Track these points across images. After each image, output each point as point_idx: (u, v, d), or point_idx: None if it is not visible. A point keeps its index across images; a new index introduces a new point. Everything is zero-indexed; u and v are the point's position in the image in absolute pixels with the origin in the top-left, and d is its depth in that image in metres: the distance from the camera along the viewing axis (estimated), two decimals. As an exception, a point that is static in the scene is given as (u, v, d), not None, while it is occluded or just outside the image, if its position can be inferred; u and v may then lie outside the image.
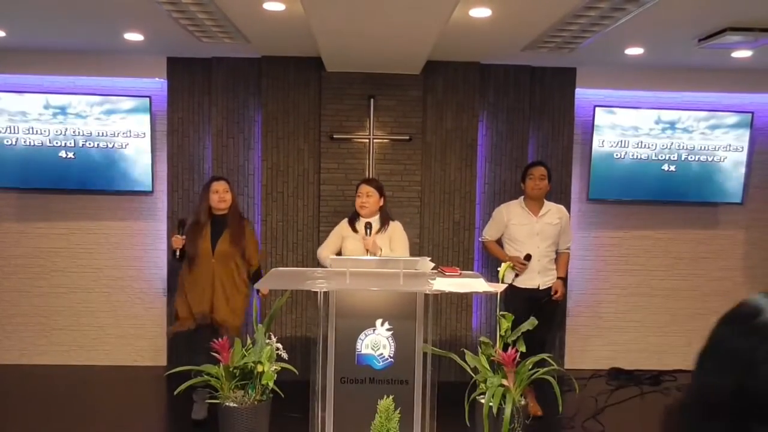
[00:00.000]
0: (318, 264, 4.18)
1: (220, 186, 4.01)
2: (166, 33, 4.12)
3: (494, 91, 4.96)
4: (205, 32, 4.02)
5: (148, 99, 4.87)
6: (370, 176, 4.66)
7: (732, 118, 5.12)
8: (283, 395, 3.19)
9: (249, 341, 3.26)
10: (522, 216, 4.30)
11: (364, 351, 3.26)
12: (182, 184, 4.97)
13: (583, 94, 5.12)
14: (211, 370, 3.18)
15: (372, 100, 4.74)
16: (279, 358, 3.22)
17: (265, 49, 4.61)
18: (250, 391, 3.13)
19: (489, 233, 4.43)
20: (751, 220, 5.41)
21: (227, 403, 3.11)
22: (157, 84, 4.98)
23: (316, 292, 3.25)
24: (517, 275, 4.19)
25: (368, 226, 3.93)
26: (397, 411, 3.13)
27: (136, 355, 5.08)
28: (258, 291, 3.96)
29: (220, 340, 3.21)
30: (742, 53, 4.32)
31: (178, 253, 3.92)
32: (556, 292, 4.29)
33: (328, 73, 4.72)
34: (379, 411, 3.11)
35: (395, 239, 4.02)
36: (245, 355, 3.16)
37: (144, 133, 4.89)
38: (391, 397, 3.14)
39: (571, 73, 5.04)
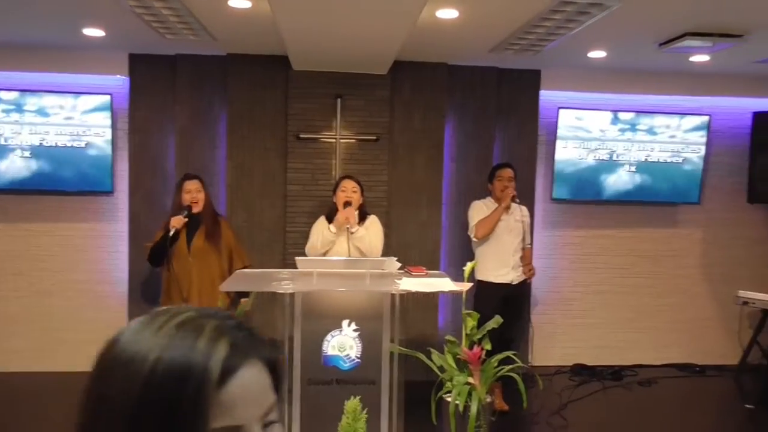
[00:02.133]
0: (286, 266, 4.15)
1: (192, 185, 3.94)
2: (127, 29, 4.04)
3: (461, 92, 4.99)
4: (169, 29, 3.95)
5: (109, 96, 4.76)
6: (337, 176, 4.65)
7: (690, 121, 5.27)
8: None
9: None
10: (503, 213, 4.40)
11: (330, 352, 3.25)
12: (144, 184, 4.87)
13: (547, 95, 5.19)
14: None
15: (339, 99, 4.72)
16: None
17: (231, 46, 4.55)
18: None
19: (477, 222, 4.50)
20: (708, 220, 5.57)
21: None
22: (119, 81, 4.87)
23: (282, 293, 3.22)
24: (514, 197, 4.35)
25: (347, 204, 3.95)
26: (365, 411, 3.13)
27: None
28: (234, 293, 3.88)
29: None
30: (700, 58, 4.44)
31: (172, 233, 3.77)
32: (530, 270, 4.49)
33: (295, 72, 4.69)
34: (346, 412, 3.11)
35: (371, 228, 4.06)
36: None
37: (104, 132, 4.77)
38: (358, 397, 3.13)
39: (536, 75, 5.11)
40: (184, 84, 4.79)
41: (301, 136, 4.71)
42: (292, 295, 3.23)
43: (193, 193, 3.92)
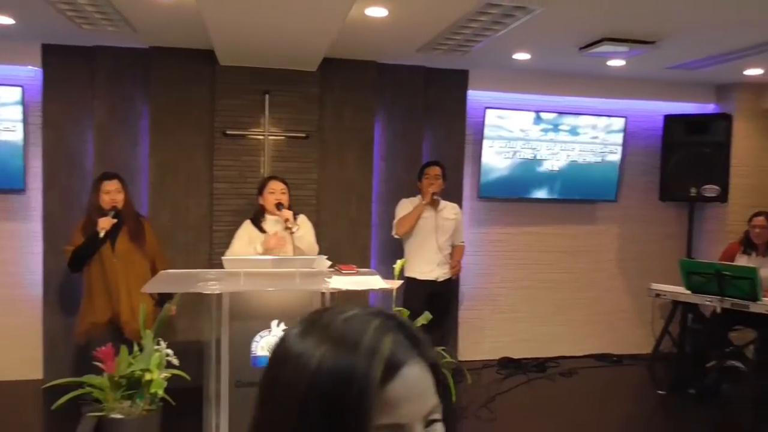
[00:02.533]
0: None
1: (111, 186, 3.77)
2: (40, 17, 3.81)
3: (390, 90, 5.02)
4: (86, 18, 3.76)
5: (20, 89, 4.48)
6: (266, 174, 4.58)
7: (608, 122, 5.52)
8: (174, 403, 3.05)
9: (136, 348, 3.09)
10: (425, 210, 4.44)
11: (259, 353, 3.20)
12: (59, 181, 4.61)
13: (474, 95, 5.30)
14: (94, 381, 2.98)
15: (267, 96, 4.64)
16: (169, 365, 3.08)
17: (154, 39, 4.39)
18: (137, 401, 2.97)
19: (397, 219, 4.54)
20: (624, 216, 5.87)
21: (112, 415, 2.93)
22: (31, 73, 4.59)
23: (209, 294, 3.14)
24: (434, 194, 4.39)
25: (280, 205, 3.88)
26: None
27: (9, 368, 4.64)
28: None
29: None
30: (617, 62, 4.65)
31: (102, 234, 3.60)
32: (453, 268, 4.56)
33: (221, 67, 4.57)
34: (277, 413, 3.06)
35: (304, 227, 4.01)
36: (132, 363, 2.99)
37: (15, 126, 4.49)
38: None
39: (463, 75, 5.20)
40: (103, 77, 4.57)
41: (228, 132, 4.60)
42: (219, 296, 3.15)
43: (113, 194, 3.76)
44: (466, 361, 5.36)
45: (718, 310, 4.76)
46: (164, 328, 3.24)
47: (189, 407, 3.34)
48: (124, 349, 3.05)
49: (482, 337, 5.59)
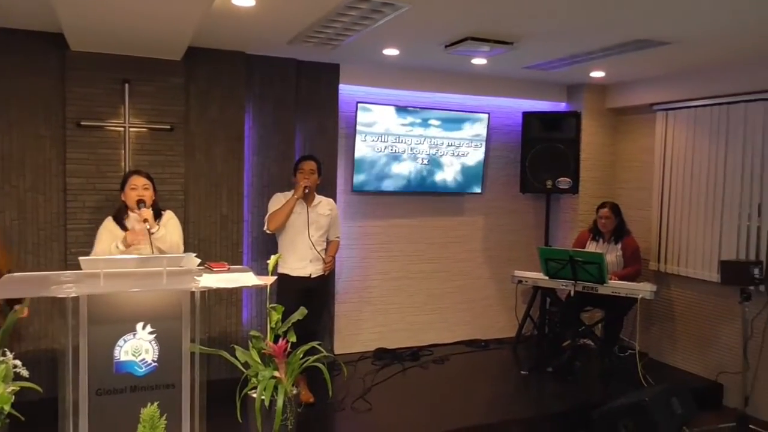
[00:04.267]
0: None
1: None
2: None
3: (260, 82, 4.91)
4: None
5: None
6: (128, 168, 4.30)
7: (473, 118, 5.79)
8: (23, 418, 2.78)
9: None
10: (297, 205, 4.38)
11: (123, 358, 3.00)
12: None
13: (346, 89, 5.33)
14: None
15: (127, 85, 4.35)
16: (18, 377, 2.80)
17: (-9, 18, 3.95)
18: (-21, 419, 2.66)
19: (268, 214, 4.46)
20: (489, 208, 6.20)
21: (-52, 437, 2.61)
22: None
23: (64, 298, 2.89)
24: (305, 188, 4.33)
25: (141, 203, 3.67)
26: (164, 417, 2.95)
27: None
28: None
29: None
30: (480, 61, 4.89)
31: None
32: (326, 264, 4.51)
33: (73, 53, 4.21)
34: (143, 420, 2.90)
35: (169, 225, 3.83)
36: (-28, 378, 2.68)
37: None
38: (156, 403, 2.94)
39: (334, 69, 5.21)
40: (-70, 59, 4.05)
41: (83, 123, 4.26)
42: (76, 299, 2.91)
43: None
44: (342, 354, 5.40)
45: (572, 293, 5.18)
46: (9, 337, 2.94)
47: (42, 421, 3.07)
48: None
49: (358, 329, 5.66)
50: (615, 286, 4.97)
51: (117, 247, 3.60)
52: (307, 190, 4.36)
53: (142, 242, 3.62)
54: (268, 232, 4.45)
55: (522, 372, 5.25)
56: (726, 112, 5.02)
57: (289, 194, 4.43)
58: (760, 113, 4.74)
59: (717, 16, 3.50)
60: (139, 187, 3.76)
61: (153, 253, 3.60)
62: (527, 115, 5.95)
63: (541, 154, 5.86)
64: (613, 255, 5.28)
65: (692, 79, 5.19)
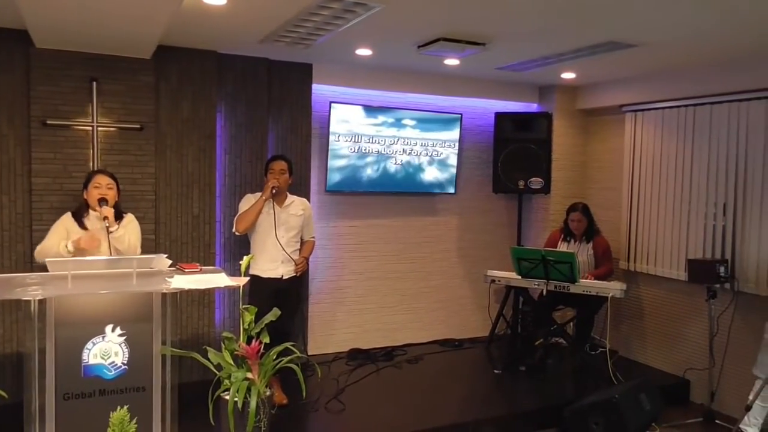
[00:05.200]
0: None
1: None
2: None
3: (233, 82, 4.86)
4: None
5: None
6: (96, 167, 4.22)
7: (446, 119, 5.82)
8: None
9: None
10: (266, 205, 4.34)
11: (92, 361, 2.94)
12: None
13: (319, 89, 5.31)
14: None
15: (95, 83, 4.27)
16: (-19, 382, 2.73)
17: (-48, 14, 3.84)
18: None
19: (237, 215, 4.41)
20: (462, 208, 6.23)
21: None
22: None
23: (29, 300, 2.82)
24: (273, 189, 4.24)
25: (103, 201, 3.62)
26: (134, 421, 2.90)
27: None
28: None
29: None
30: (452, 61, 4.91)
31: None
32: (297, 265, 4.43)
33: (38, 50, 4.12)
34: (112, 424, 2.85)
35: (128, 227, 3.77)
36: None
37: None
38: (126, 407, 2.90)
39: (307, 69, 5.18)
40: None
41: (49, 122, 4.17)
42: (42, 301, 2.85)
43: None
44: (316, 354, 5.38)
45: (544, 292, 5.24)
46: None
47: (7, 428, 3.00)
48: None
49: (332, 330, 5.64)
50: (586, 285, 5.04)
51: (66, 247, 3.51)
52: (275, 191, 4.32)
53: (96, 249, 3.54)
54: (237, 233, 4.41)
55: (495, 371, 5.29)
56: (693, 114, 5.13)
57: (259, 195, 4.39)
58: (725, 115, 4.86)
59: (680, 20, 3.58)
60: (102, 186, 3.70)
61: (111, 253, 3.53)
62: (499, 116, 6.00)
63: (513, 154, 5.92)
64: (584, 255, 5.35)
65: (660, 81, 5.29)
